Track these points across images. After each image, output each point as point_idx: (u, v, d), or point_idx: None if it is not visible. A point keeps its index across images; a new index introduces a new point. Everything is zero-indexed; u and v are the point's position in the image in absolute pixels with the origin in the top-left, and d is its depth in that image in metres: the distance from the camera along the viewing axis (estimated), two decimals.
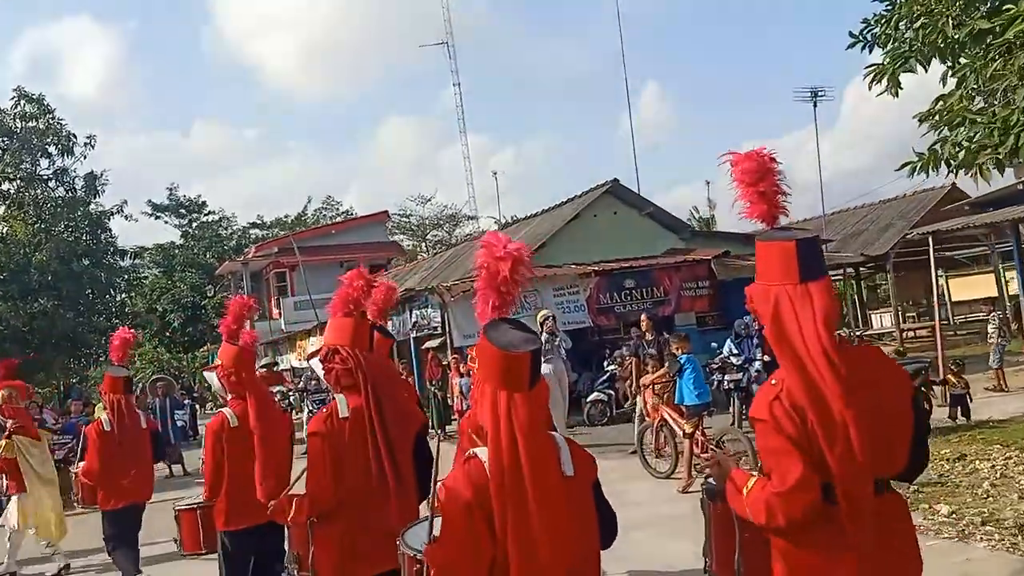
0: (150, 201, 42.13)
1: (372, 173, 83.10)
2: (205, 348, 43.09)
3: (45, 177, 25.53)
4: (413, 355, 18.82)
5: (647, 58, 79.06)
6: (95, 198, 26.10)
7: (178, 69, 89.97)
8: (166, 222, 42.87)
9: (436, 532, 2.44)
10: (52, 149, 24.88)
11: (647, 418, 9.93)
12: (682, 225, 19.09)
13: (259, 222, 47.46)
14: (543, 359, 11.07)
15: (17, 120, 24.07)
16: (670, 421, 8.93)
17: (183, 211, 41.65)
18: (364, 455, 3.49)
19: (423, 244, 46.11)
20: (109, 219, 27.02)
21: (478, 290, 2.54)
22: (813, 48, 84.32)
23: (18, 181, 24.51)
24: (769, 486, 2.31)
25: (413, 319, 18.15)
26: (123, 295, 28.80)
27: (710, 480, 3.05)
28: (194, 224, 42.63)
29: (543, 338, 11.74)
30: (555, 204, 20.11)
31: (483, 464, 2.33)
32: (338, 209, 47.45)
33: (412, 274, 26.77)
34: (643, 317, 12.71)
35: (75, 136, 25.21)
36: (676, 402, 8.83)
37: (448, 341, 16.26)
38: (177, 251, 42.09)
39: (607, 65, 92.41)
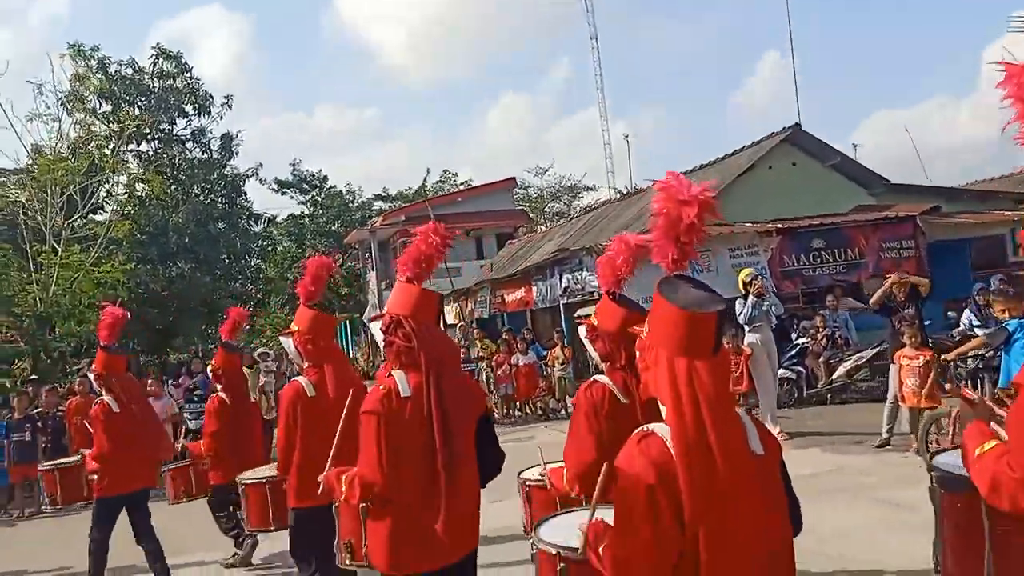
0: (276, 178, 42.42)
1: (485, 150, 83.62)
2: (334, 316, 43.28)
3: (182, 137, 25.30)
4: (564, 323, 17.21)
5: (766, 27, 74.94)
6: (230, 160, 25.74)
7: (300, 53, 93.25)
8: (291, 197, 43.12)
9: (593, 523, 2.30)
10: (189, 108, 24.60)
11: (902, 403, 8.03)
12: (874, 178, 16.66)
13: (383, 194, 47.41)
14: (750, 327, 9.42)
15: (155, 79, 23.82)
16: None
17: (306, 186, 41.60)
18: (424, 439, 3.16)
19: (541, 216, 44.99)
20: (244, 182, 26.69)
21: (654, 241, 2.27)
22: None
23: (156, 142, 24.32)
24: (1007, 459, 2.15)
25: (564, 283, 16.56)
26: (257, 261, 28.44)
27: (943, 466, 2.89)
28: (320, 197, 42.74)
29: (750, 301, 9.95)
30: (723, 155, 18.05)
31: (663, 441, 2.07)
32: (455, 181, 46.80)
33: (547, 240, 25.25)
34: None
35: (211, 96, 24.90)
36: (1002, 384, 6.81)
37: None
38: (307, 220, 42.27)
39: (721, 40, 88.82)
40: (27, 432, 11.66)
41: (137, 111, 22.83)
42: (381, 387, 3.24)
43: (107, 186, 21.44)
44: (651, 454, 2.06)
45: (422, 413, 3.17)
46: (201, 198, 25.29)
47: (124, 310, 6.45)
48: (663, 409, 2.14)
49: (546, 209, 45.63)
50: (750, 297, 9.87)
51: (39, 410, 11.99)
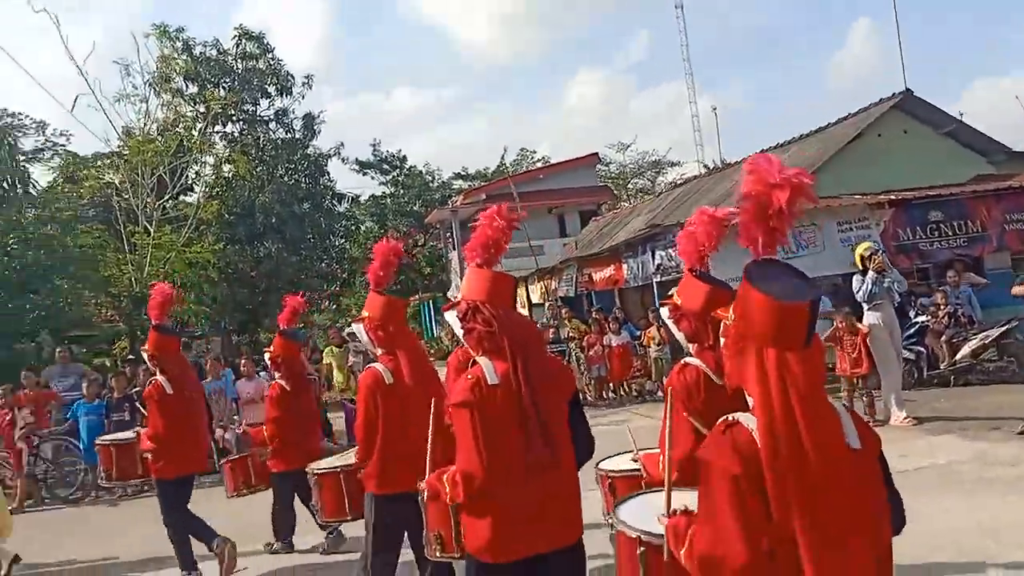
0: (356, 159, 42.66)
1: (562, 127, 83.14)
2: (415, 297, 43.69)
3: (266, 118, 25.45)
4: (657, 302, 16.60)
5: None
6: (313, 139, 25.80)
7: (377, 35, 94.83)
8: (372, 178, 43.33)
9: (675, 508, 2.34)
10: (271, 89, 24.70)
11: None
12: (993, 146, 15.50)
13: (463, 173, 47.22)
14: (869, 304, 8.60)
15: (239, 60, 23.97)
16: None
17: (386, 167, 41.72)
18: (517, 426, 3.01)
19: (624, 193, 44.22)
20: (326, 162, 26.76)
21: (741, 225, 2.15)
22: None
23: (240, 123, 24.53)
24: None
25: (656, 260, 15.94)
26: (341, 240, 28.53)
27: None
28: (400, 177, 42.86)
29: (870, 278, 9.23)
30: (824, 124, 17.08)
31: (749, 432, 2.02)
32: (532, 159, 46.32)
33: (634, 216, 24.55)
34: None
35: (293, 77, 24.93)
36: None
37: None
38: (388, 200, 42.40)
39: (810, 9, 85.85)
40: (126, 412, 11.75)
41: (222, 92, 22.99)
42: (468, 376, 3.10)
43: (195, 167, 21.66)
44: (736, 444, 2.02)
45: (512, 400, 3.04)
46: (285, 178, 25.42)
47: (173, 287, 6.42)
48: (749, 400, 2.09)
49: (629, 185, 44.98)
50: (870, 273, 9.17)
51: (136, 389, 12.07)
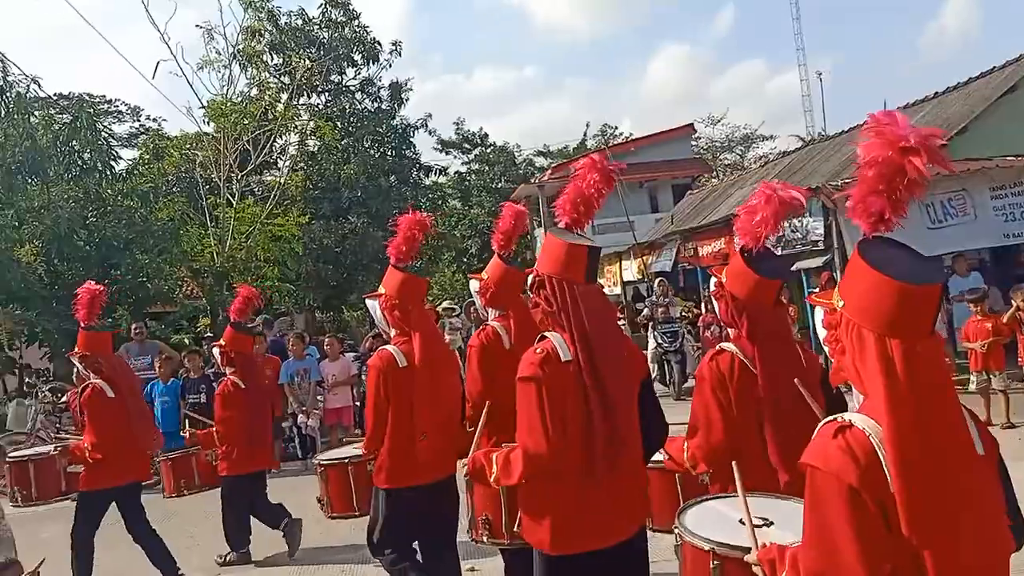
0: (439, 137, 42.02)
1: (645, 102, 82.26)
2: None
3: (352, 88, 24.65)
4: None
5: None
6: (400, 108, 24.92)
7: (458, 15, 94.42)
8: (455, 158, 42.61)
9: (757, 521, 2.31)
10: (357, 57, 23.86)
11: None
12: None
13: (544, 150, 46.23)
14: None
15: (324, 29, 23.21)
16: None
17: (467, 145, 40.81)
18: (585, 408, 2.82)
19: (713, 168, 42.65)
20: (413, 133, 25.85)
21: (856, 196, 1.91)
22: None
23: (326, 94, 23.80)
24: None
25: (778, 232, 14.38)
26: (427, 214, 27.51)
27: None
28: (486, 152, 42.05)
29: None
30: (966, 80, 15.14)
31: (867, 436, 1.79)
32: (614, 135, 44.98)
33: (735, 187, 22.92)
34: None
35: (380, 44, 24.01)
36: None
37: (834, 261, 12.46)
38: (473, 176, 41.63)
39: None
40: (202, 393, 10.99)
41: (307, 62, 22.29)
42: (538, 350, 2.91)
43: (279, 141, 21.04)
44: (853, 451, 1.78)
45: (582, 379, 2.85)
46: (371, 151, 24.63)
47: (101, 285, 6.00)
48: (856, 397, 1.98)
49: (718, 160, 43.21)
50: None
51: (213, 370, 11.31)
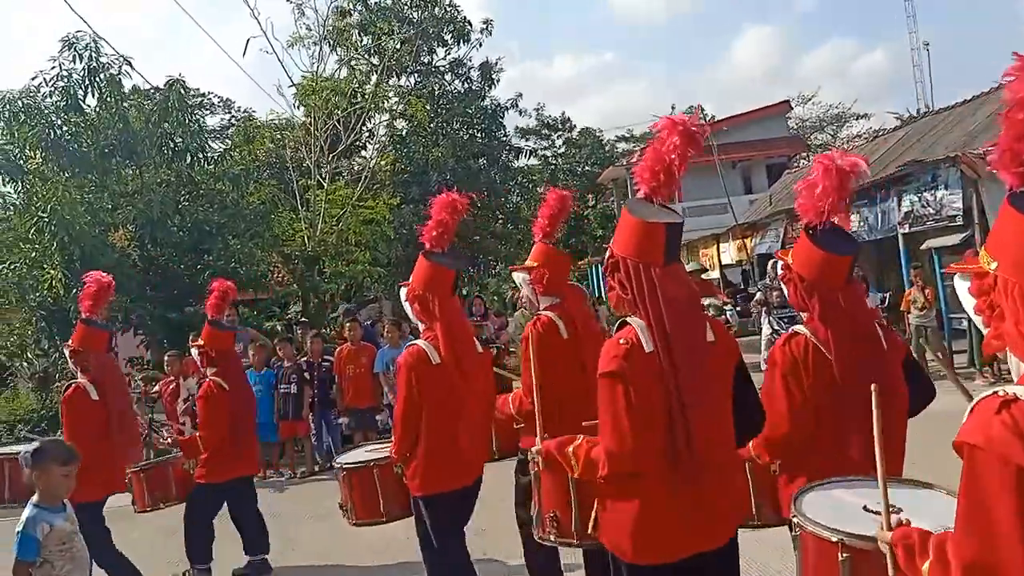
0: (517, 127, 41.48)
1: (726, 85, 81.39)
2: (586, 260, 42.43)
3: (441, 69, 24.09)
4: (903, 258, 13.76)
5: None
6: (491, 89, 24.23)
7: (538, 2, 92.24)
8: (536, 144, 41.98)
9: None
10: (448, 37, 23.28)
11: None
12: None
13: (627, 135, 45.14)
14: None
15: (414, 9, 22.70)
16: None
17: (547, 131, 40.09)
18: (669, 401, 2.62)
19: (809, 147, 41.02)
20: (503, 114, 25.11)
21: (1005, 142, 1.68)
22: None
23: (415, 75, 23.30)
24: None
25: (905, 207, 13.16)
26: (516, 198, 26.92)
27: None
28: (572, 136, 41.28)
29: None
30: None
31: None
32: (703, 116, 43.49)
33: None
34: None
35: (470, 23, 23.35)
36: None
37: (975, 237, 11.22)
38: (559, 159, 40.85)
39: None
40: (293, 383, 10.51)
41: (396, 43, 21.80)
42: (621, 340, 2.67)
43: (368, 124, 20.61)
44: (1020, 427, 1.59)
45: (660, 377, 2.62)
46: (460, 133, 24.06)
47: (111, 277, 5.80)
48: (1018, 366, 1.73)
49: (809, 140, 41.89)
50: None
51: (306, 359, 10.84)
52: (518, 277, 4.56)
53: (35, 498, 3.88)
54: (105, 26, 30.21)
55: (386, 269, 18.84)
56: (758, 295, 13.35)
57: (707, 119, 33.89)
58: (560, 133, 40.82)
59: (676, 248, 2.80)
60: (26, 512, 3.83)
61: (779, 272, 3.34)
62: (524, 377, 4.23)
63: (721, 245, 25.53)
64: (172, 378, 10.39)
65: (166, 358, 10.61)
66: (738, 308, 20.81)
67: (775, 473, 3.21)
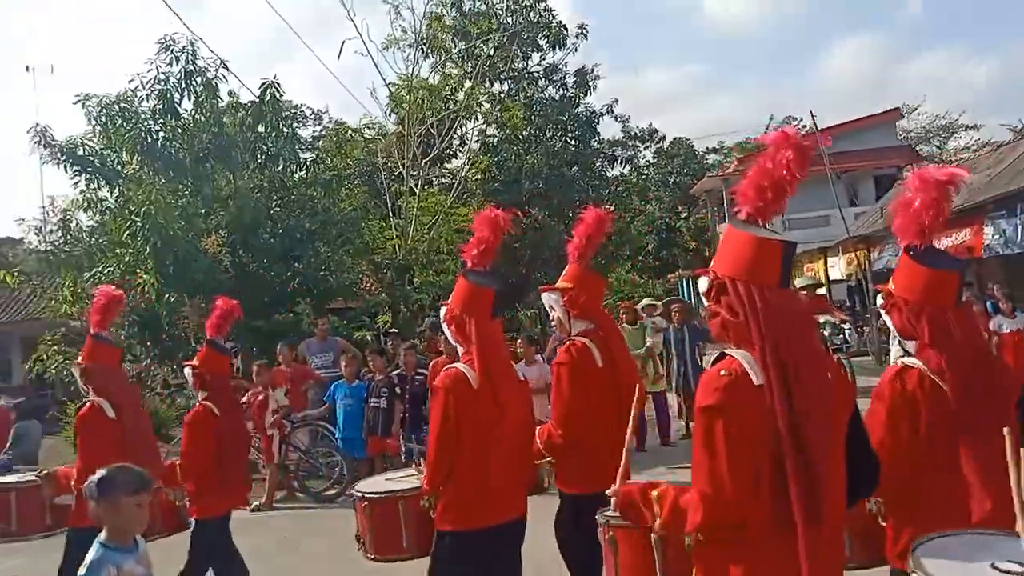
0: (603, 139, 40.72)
1: (822, 97, 79.12)
2: (676, 274, 41.39)
3: (536, 75, 23.48)
4: None
5: None
6: (585, 96, 23.49)
7: (624, 13, 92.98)
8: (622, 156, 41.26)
9: None
10: (543, 42, 22.67)
11: None
12: None
13: (717, 147, 43.91)
14: None
15: (508, 14, 22.18)
16: None
17: (633, 143, 39.26)
18: (777, 445, 2.28)
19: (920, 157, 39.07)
20: (598, 121, 24.34)
21: None
22: None
23: (509, 81, 22.75)
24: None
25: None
26: (610, 208, 26.00)
27: None
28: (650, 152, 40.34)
29: None
30: None
31: None
32: (800, 128, 41.96)
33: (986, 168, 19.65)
34: None
35: (566, 28, 22.68)
36: None
37: None
38: (651, 170, 39.82)
39: None
40: (383, 398, 9.95)
41: (490, 49, 21.33)
42: (723, 372, 2.37)
43: (459, 131, 20.16)
44: None
45: (776, 409, 2.29)
46: (554, 141, 23.40)
47: (120, 291, 5.56)
48: None
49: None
50: None
51: (398, 372, 10.27)
52: (548, 298, 4.38)
53: (102, 536, 3.32)
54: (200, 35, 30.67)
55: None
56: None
57: (806, 130, 32.68)
58: (647, 145, 39.87)
59: (790, 271, 2.52)
60: (91, 554, 3.27)
61: (882, 303, 3.15)
62: (556, 407, 4.06)
63: (829, 259, 24.22)
64: (260, 389, 9.97)
65: (254, 368, 10.20)
66: (858, 327, 19.57)
67: (872, 512, 3.02)
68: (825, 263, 24.02)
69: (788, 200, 2.50)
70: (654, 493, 2.57)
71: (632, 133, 31.73)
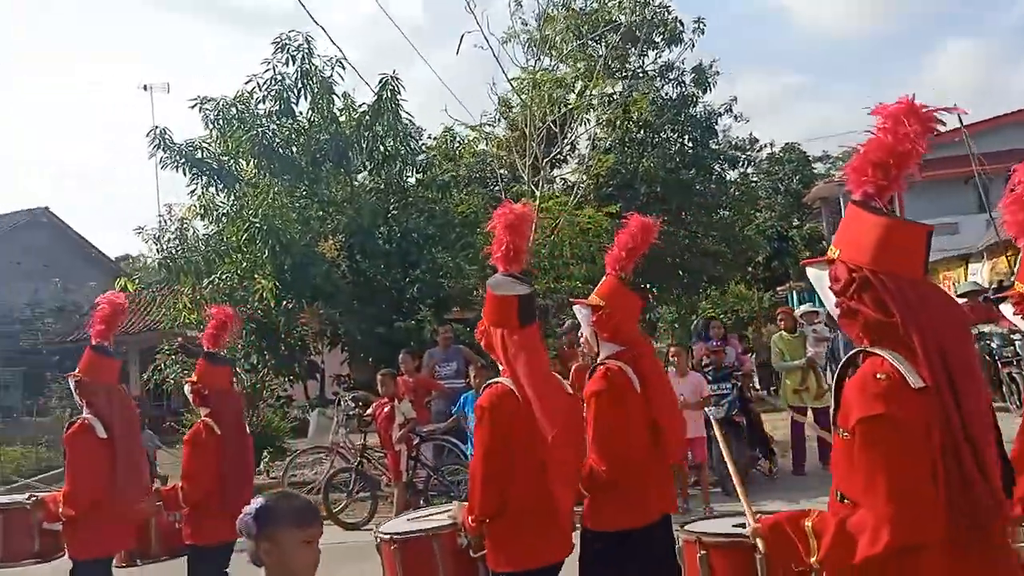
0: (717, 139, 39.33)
1: (928, 100, 75.02)
2: (787, 285, 39.64)
3: (651, 73, 22.51)
4: None
5: None
6: (704, 94, 22.41)
7: (714, 20, 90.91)
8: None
9: None
10: (658, 39, 21.70)
11: None
12: None
13: (823, 155, 41.83)
14: None
15: (622, 12, 21.29)
16: None
17: (734, 152, 37.88)
18: (952, 453, 2.12)
19: None
20: (717, 120, 23.17)
21: None
22: None
23: (623, 81, 21.82)
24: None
25: None
26: (727, 213, 24.73)
27: None
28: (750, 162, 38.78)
29: None
30: None
31: None
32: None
33: None
34: None
35: (682, 23, 21.65)
36: None
37: None
38: (761, 176, 38.25)
39: None
40: None
41: (602, 48, 20.50)
42: (878, 376, 2.19)
43: (573, 134, 19.37)
44: None
45: (938, 420, 2.13)
46: (671, 142, 22.35)
47: (124, 299, 5.36)
48: None
49: None
50: None
51: None
52: (579, 314, 4.08)
53: None
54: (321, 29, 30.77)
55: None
56: None
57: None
58: (747, 153, 38.40)
59: (927, 259, 2.35)
60: None
61: (1013, 309, 2.92)
62: (597, 439, 3.75)
63: (971, 266, 22.39)
64: (386, 400, 9.28)
65: (379, 377, 9.51)
66: None
67: None
68: (966, 271, 22.19)
69: (914, 206, 1.86)
70: (807, 523, 2.32)
71: (731, 142, 30.51)
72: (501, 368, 3.74)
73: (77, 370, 4.91)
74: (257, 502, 2.56)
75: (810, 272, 2.49)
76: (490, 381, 3.78)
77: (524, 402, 3.53)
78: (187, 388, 5.37)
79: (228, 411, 5.25)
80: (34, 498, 5.06)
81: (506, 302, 3.62)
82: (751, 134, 31.33)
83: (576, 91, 19.94)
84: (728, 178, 24.55)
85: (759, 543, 2.52)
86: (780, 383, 10.59)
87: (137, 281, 14.56)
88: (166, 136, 12.77)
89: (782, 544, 2.39)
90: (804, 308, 10.89)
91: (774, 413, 12.03)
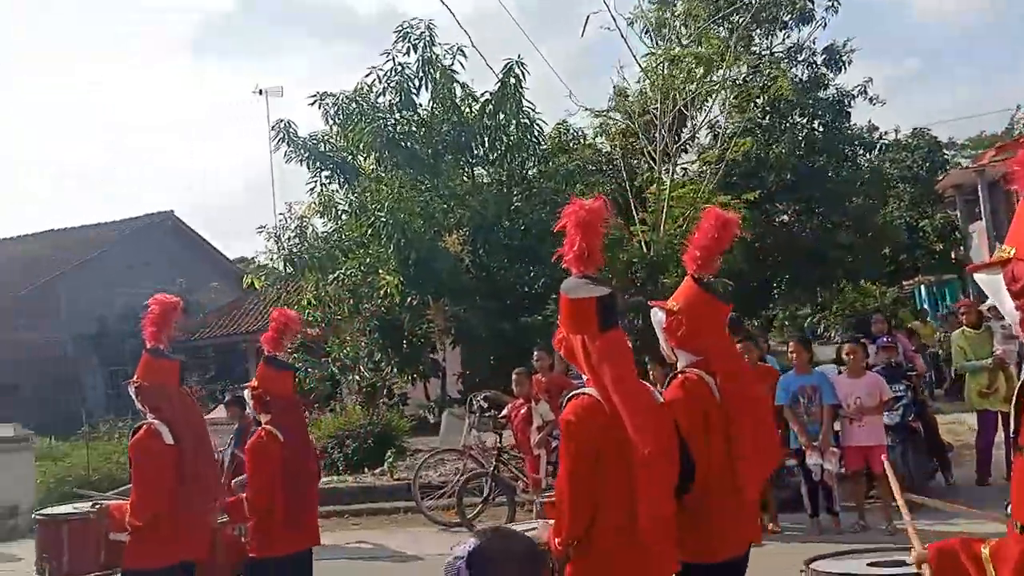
0: (851, 123, 37.37)
1: None
2: (914, 279, 37.31)
3: (778, 56, 21.28)
4: None
5: None
6: (838, 75, 21.07)
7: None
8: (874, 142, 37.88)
9: None
10: (787, 18, 20.48)
11: None
12: None
13: (949, 141, 38.96)
14: None
15: None
16: None
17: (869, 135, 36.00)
18: None
19: None
20: (850, 102, 21.74)
21: None
22: None
23: (747, 66, 20.68)
24: None
25: None
26: (863, 200, 23.16)
27: None
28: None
29: None
30: None
31: None
32: None
33: None
34: None
35: (812, 1, 20.35)
36: None
37: None
38: (888, 164, 36.05)
39: None
40: None
41: (724, 31, 19.45)
42: None
43: (699, 121, 18.44)
44: None
45: None
46: (800, 127, 21.10)
47: (178, 299, 4.90)
48: None
49: None
50: None
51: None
52: (654, 317, 3.77)
53: None
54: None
55: (732, 279, 16.46)
56: None
57: None
58: (879, 139, 36.36)
59: None
60: None
61: None
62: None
63: None
64: (522, 401, 8.71)
65: (514, 376, 8.96)
66: None
67: None
68: None
69: None
70: (984, 551, 2.07)
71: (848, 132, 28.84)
72: (586, 378, 3.40)
73: (135, 376, 4.69)
74: (468, 544, 1.98)
75: (980, 278, 2.20)
76: (575, 392, 3.42)
77: (612, 414, 3.22)
78: (247, 394, 5.20)
79: (290, 418, 5.06)
80: (98, 506, 4.94)
81: (584, 305, 3.33)
82: (869, 121, 29.67)
83: (698, 76, 18.99)
84: (861, 164, 23.00)
85: (926, 572, 2.30)
86: (963, 384, 9.50)
87: (263, 278, 14.52)
88: (291, 129, 12.61)
89: (952, 573, 2.17)
90: (991, 302, 9.70)
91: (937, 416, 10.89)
